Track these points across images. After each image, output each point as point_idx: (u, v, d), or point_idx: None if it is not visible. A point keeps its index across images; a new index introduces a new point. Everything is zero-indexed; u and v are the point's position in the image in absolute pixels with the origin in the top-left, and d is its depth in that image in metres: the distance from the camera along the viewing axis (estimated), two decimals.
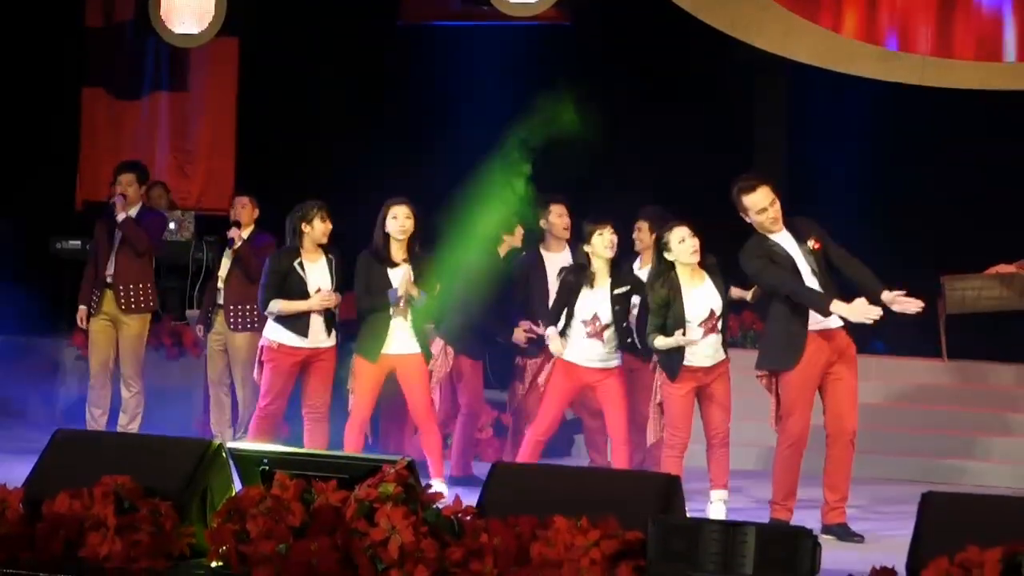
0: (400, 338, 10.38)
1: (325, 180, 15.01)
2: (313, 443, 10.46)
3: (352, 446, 10.22)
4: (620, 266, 10.38)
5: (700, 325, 9.63)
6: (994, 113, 14.51)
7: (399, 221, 10.36)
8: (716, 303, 9.74)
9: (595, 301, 10.04)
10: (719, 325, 9.80)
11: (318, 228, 10.51)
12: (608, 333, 10.06)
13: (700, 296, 9.72)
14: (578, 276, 10.14)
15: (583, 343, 10.05)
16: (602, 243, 9.98)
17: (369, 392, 10.49)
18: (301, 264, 10.45)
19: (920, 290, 12.43)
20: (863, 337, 10.28)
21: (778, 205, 9.55)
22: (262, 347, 10.53)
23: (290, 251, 10.54)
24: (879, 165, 11.98)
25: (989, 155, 14.54)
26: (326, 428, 10.63)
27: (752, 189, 9.52)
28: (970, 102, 14.39)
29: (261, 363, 10.53)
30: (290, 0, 15.83)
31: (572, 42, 15.70)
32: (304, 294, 10.41)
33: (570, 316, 10.09)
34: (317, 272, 10.51)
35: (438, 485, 9.43)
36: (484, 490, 6.77)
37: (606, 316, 10.04)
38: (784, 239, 9.61)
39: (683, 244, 9.60)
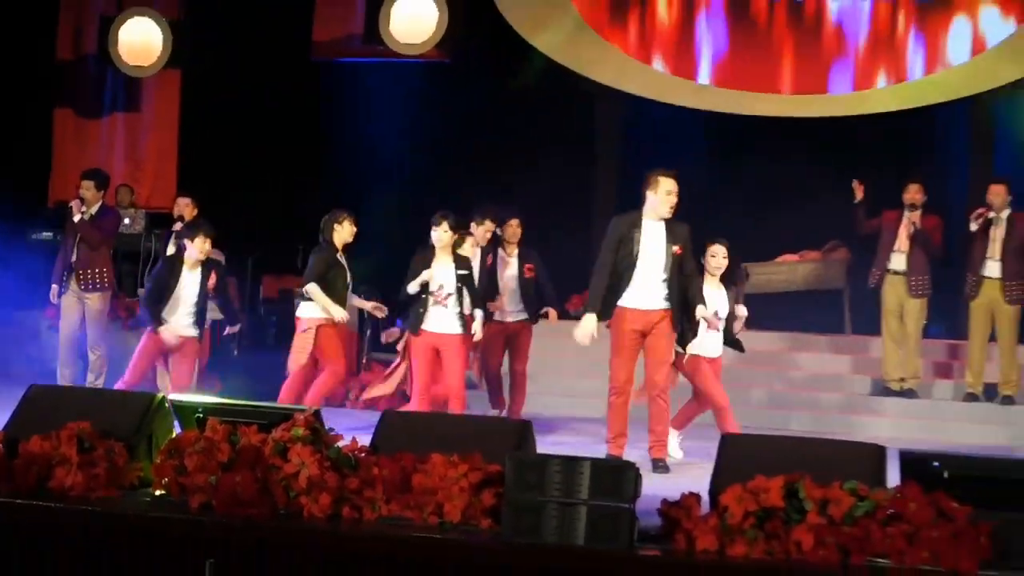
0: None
1: (251, 185, 14.97)
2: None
3: None
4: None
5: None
6: (779, 135, 14.72)
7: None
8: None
9: (441, 275, 10.20)
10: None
11: (347, 229, 10.58)
12: (451, 300, 10.23)
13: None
14: (425, 255, 10.27)
15: (431, 312, 10.18)
16: (439, 234, 10.20)
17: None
18: (338, 258, 10.56)
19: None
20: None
21: (657, 198, 9.44)
22: (310, 327, 10.58)
23: (329, 247, 10.59)
24: (693, 174, 12.09)
25: (776, 170, 14.70)
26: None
27: (668, 176, 9.47)
28: (764, 126, 14.61)
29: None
30: (223, 39, 15.76)
31: (450, 76, 15.70)
32: (344, 283, 10.58)
33: (425, 287, 10.19)
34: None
35: None
36: (375, 433, 6.77)
37: (450, 287, 10.21)
38: (657, 229, 9.47)
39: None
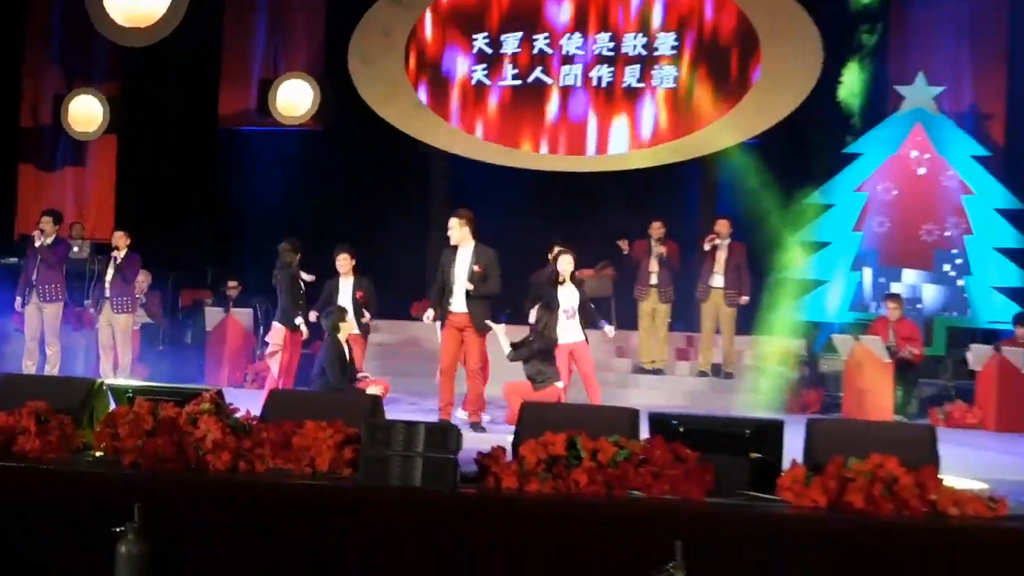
0: None
1: (171, 221, 14.69)
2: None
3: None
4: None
5: None
6: (567, 184, 14.89)
7: None
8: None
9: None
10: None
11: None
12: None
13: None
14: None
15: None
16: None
17: None
18: None
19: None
20: (499, 311, 10.42)
21: (456, 233, 9.62)
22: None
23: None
24: (503, 213, 12.18)
25: (563, 208, 14.85)
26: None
27: (452, 217, 9.68)
28: (555, 178, 14.76)
29: None
30: (149, 111, 15.50)
31: (323, 141, 15.63)
32: None
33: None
34: None
35: None
36: (264, 406, 6.69)
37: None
38: (464, 254, 9.63)
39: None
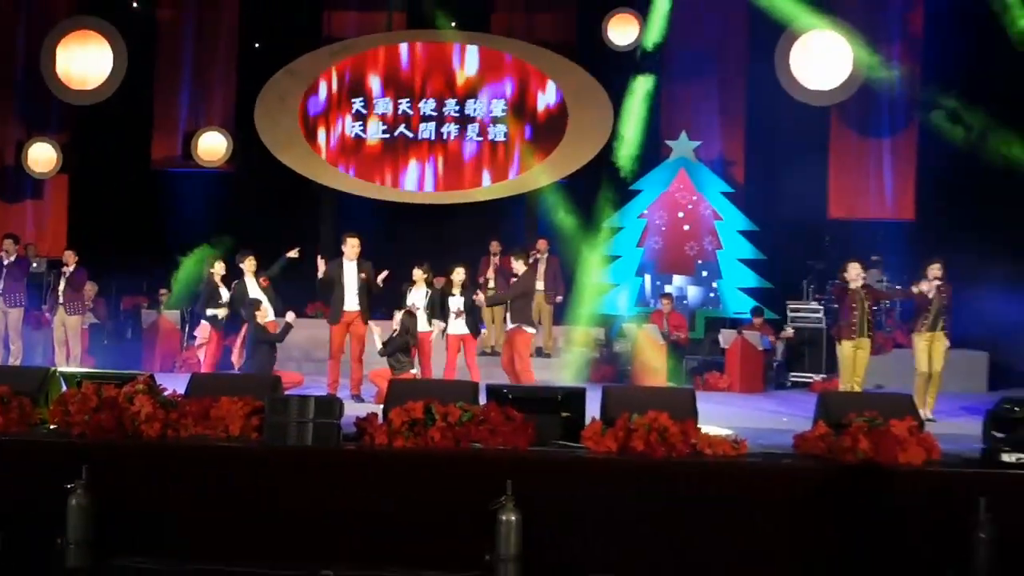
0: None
1: (112, 241, 14.11)
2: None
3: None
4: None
5: None
6: (430, 212, 14.84)
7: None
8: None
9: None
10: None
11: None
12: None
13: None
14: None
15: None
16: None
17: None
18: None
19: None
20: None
21: (356, 249, 9.52)
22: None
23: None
24: (376, 235, 12.02)
25: (425, 230, 14.75)
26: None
27: (348, 236, 9.59)
28: (419, 208, 14.65)
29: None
30: (95, 155, 14.89)
31: (235, 180, 15.25)
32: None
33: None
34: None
35: None
36: (188, 386, 6.51)
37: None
38: (351, 266, 9.54)
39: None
